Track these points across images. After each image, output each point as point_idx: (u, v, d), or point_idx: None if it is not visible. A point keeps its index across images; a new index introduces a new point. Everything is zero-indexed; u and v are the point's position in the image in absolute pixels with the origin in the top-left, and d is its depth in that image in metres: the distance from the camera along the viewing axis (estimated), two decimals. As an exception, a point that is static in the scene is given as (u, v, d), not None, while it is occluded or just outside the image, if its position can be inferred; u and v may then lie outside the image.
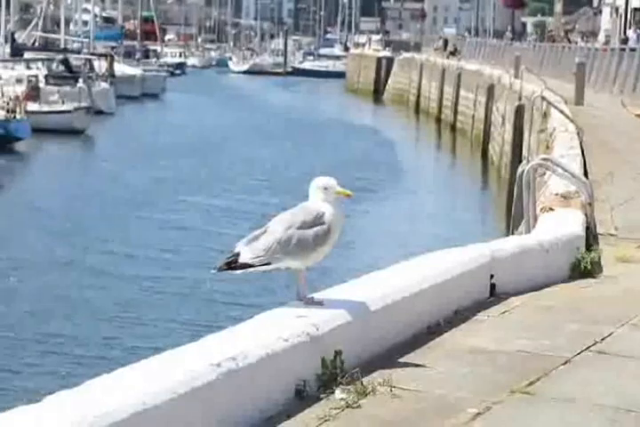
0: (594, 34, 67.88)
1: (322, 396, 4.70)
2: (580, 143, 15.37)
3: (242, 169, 34.57)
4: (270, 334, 4.63)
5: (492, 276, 6.66)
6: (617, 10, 56.39)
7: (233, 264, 4.84)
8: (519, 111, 28.45)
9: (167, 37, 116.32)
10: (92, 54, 58.89)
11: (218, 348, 4.42)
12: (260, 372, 4.42)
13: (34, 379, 13.98)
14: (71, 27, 71.55)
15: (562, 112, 18.91)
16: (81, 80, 47.35)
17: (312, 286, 5.16)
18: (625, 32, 48.79)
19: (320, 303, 5.04)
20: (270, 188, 30.17)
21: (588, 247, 7.95)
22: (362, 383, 4.77)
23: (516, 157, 25.83)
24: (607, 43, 51.20)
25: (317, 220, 4.94)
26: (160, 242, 22.84)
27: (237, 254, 4.85)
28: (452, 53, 63.69)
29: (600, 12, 77.35)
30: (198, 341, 4.53)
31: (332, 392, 4.72)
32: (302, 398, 4.65)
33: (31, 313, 17.24)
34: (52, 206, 27.10)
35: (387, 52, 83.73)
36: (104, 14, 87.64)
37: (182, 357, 4.31)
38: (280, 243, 4.87)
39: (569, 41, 53.65)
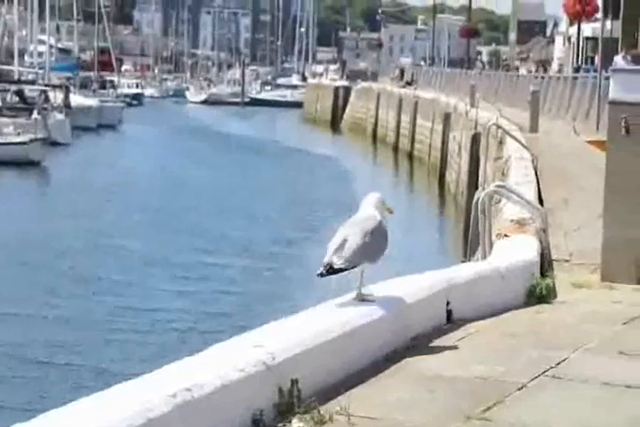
0: (547, 62, 68.68)
1: (279, 425, 4.68)
2: (535, 170, 15.51)
3: (189, 209, 33.37)
4: (226, 363, 4.62)
5: (448, 302, 6.69)
6: (569, 39, 57.08)
7: (331, 270, 5.61)
8: (475, 139, 28.64)
9: (124, 68, 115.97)
10: (47, 85, 58.53)
11: (173, 378, 4.40)
12: (215, 402, 4.40)
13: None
14: (26, 58, 71.07)
15: (517, 140, 19.06)
16: (36, 111, 47.07)
17: (270, 313, 5.16)
18: (578, 60, 49.34)
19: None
20: (213, 233, 28.80)
21: (543, 273, 8.01)
22: (319, 412, 4.77)
23: (473, 184, 25.95)
24: (560, 71, 51.78)
25: (380, 227, 5.81)
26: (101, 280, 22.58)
27: (330, 263, 5.61)
28: (409, 84, 64.01)
29: (553, 41, 78.35)
30: (154, 371, 4.51)
31: (289, 422, 4.71)
32: (259, 427, 4.64)
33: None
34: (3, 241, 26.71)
35: (344, 82, 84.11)
36: (60, 45, 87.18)
37: (138, 387, 4.29)
38: (365, 248, 5.66)
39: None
